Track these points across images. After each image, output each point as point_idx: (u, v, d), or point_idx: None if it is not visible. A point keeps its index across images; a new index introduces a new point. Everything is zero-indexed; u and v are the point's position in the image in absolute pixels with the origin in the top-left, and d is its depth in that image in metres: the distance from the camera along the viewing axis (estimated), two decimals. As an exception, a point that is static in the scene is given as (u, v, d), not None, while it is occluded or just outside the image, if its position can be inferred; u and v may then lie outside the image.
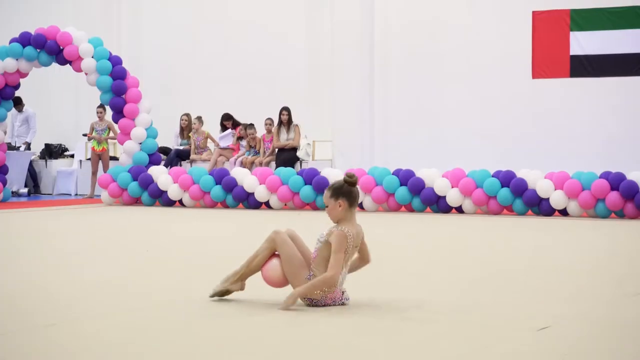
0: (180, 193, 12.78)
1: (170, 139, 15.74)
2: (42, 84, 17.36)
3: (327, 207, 4.37)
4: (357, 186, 4.44)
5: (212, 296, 4.50)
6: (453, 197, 11.50)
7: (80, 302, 4.56)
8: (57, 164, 16.93)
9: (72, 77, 16.32)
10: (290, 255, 4.35)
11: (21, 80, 14.01)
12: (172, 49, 17.26)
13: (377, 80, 15.45)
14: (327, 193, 4.38)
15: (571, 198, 10.94)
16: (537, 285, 5.22)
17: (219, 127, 15.49)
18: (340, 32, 15.65)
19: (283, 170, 12.50)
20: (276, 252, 4.42)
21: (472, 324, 3.89)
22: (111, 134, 15.12)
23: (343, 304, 4.38)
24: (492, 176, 11.45)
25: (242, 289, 4.51)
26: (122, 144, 13.74)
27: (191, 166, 14.80)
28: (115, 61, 13.61)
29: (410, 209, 11.88)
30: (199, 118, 15.32)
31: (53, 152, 17.20)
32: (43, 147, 17.25)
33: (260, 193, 12.25)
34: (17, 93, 14.47)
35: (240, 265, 4.49)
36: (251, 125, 14.79)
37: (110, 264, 6.43)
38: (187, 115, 15.61)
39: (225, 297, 4.53)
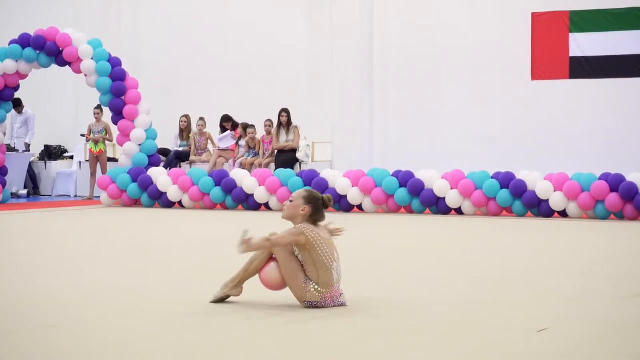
0: (180, 194, 12.78)
1: (169, 141, 15.72)
2: (42, 86, 17.35)
3: (291, 201, 4.42)
4: (325, 212, 4.48)
5: (213, 302, 4.49)
6: (452, 198, 11.48)
7: (80, 303, 4.56)
8: (56, 166, 16.92)
9: (71, 79, 16.32)
10: (287, 258, 4.34)
11: (20, 82, 14.03)
12: (171, 50, 17.25)
13: (377, 81, 15.42)
14: (302, 192, 4.45)
15: (570, 199, 10.93)
16: (537, 287, 5.21)
17: (218, 129, 15.48)
18: (340, 33, 15.63)
19: (282, 171, 12.51)
20: (273, 256, 4.41)
21: (472, 325, 3.88)
22: (107, 136, 15.12)
23: (342, 304, 4.37)
24: (492, 178, 11.43)
25: (241, 293, 4.52)
26: (121, 145, 13.74)
27: (191, 167, 14.80)
28: (115, 62, 13.62)
29: (410, 211, 11.87)
30: (203, 119, 15.31)
31: (52, 153, 17.20)
32: (42, 148, 17.25)
33: (260, 194, 12.25)
34: (17, 94, 14.47)
35: (238, 271, 4.50)
36: (251, 126, 14.79)
37: (110, 265, 6.43)
38: (187, 116, 15.62)
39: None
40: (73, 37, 13.53)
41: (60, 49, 13.55)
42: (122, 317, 4.13)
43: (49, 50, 13.51)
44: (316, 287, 4.29)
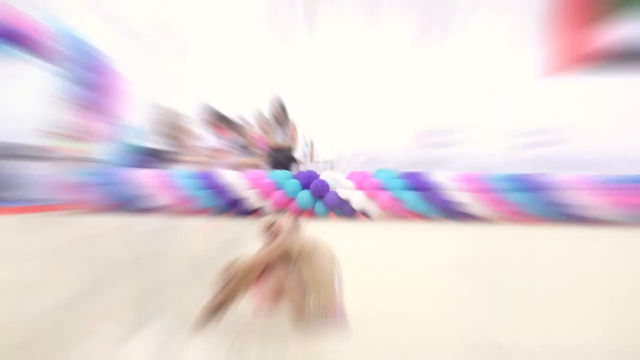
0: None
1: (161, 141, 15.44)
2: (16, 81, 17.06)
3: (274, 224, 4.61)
4: None
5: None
6: (467, 201, 10.83)
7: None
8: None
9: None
10: (293, 285, 4.47)
11: None
12: (163, 47, 16.93)
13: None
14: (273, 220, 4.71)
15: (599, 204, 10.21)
16: (537, 295, 4.96)
17: (210, 128, 15.16)
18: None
19: (278, 173, 11.81)
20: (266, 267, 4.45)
21: (475, 331, 3.80)
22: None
23: (343, 316, 4.14)
24: (512, 181, 10.75)
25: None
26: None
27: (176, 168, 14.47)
28: (99, 57, 13.24)
29: (421, 216, 11.17)
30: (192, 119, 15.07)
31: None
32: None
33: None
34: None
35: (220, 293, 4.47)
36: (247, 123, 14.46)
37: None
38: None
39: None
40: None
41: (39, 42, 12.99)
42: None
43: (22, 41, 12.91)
44: (317, 299, 4.11)
